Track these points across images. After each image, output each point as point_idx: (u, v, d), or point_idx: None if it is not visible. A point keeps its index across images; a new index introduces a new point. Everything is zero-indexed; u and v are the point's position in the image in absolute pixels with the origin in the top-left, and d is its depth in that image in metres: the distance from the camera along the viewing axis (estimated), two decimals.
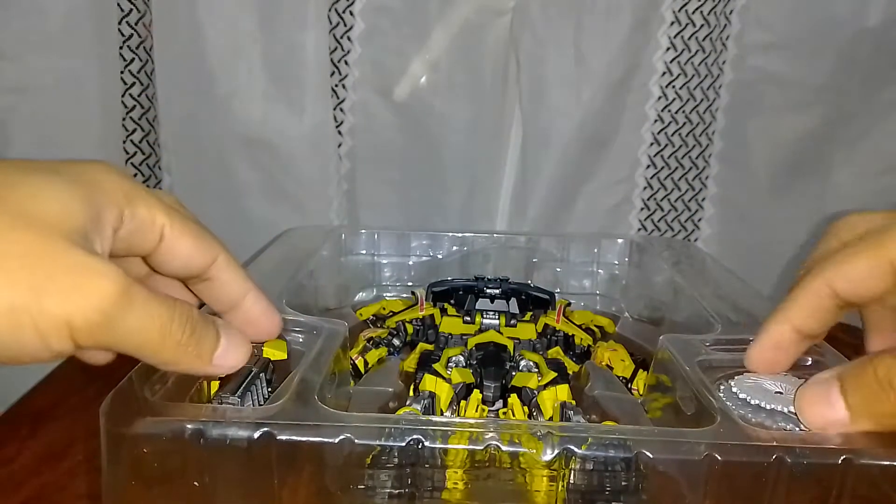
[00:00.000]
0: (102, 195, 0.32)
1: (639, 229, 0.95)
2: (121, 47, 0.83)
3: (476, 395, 0.51)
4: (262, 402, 0.40)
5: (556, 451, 0.35)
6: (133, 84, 0.84)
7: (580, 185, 0.92)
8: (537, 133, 0.89)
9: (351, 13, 0.84)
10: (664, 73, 0.88)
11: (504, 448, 0.35)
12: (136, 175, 0.88)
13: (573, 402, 0.49)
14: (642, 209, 0.94)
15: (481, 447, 0.36)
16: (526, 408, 0.50)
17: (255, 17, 0.82)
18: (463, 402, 0.51)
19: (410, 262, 0.83)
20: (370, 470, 0.36)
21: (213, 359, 0.35)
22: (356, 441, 0.35)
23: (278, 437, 0.34)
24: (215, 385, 0.41)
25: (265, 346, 0.44)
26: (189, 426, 0.34)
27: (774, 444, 0.34)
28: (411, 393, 0.52)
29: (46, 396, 0.70)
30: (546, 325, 0.66)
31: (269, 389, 0.42)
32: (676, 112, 0.89)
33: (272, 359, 0.43)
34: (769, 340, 0.40)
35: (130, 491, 0.35)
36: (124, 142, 0.86)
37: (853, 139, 0.92)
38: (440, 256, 0.82)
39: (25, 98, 0.79)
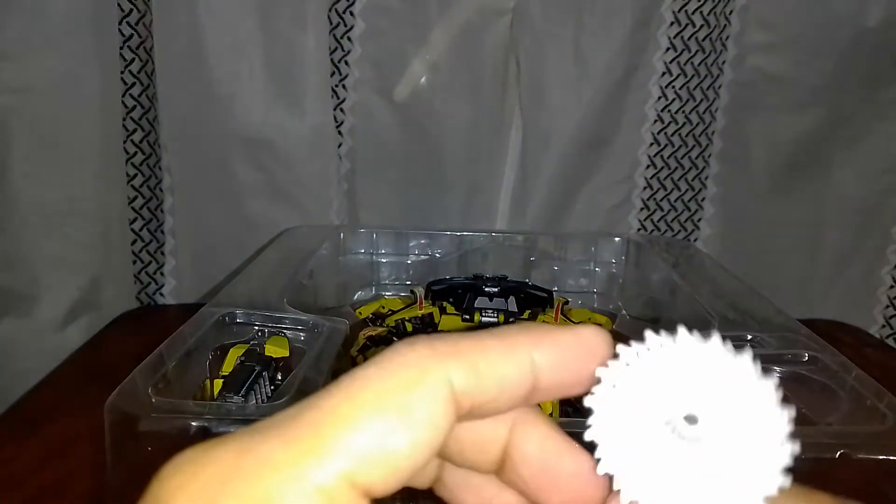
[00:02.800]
0: None
1: (639, 229, 0.95)
2: (121, 47, 0.83)
3: None
4: (265, 400, 0.41)
5: None
6: (133, 84, 0.84)
7: (580, 185, 0.92)
8: (537, 133, 0.89)
9: (351, 13, 0.84)
10: (664, 74, 0.88)
11: None
12: (136, 175, 0.88)
13: (572, 399, 0.49)
14: (642, 209, 0.94)
15: None
16: None
17: (255, 18, 0.82)
18: None
19: (409, 261, 0.83)
20: None
21: None
22: None
23: None
24: (219, 384, 0.41)
25: (268, 344, 0.44)
26: (194, 424, 0.34)
27: None
28: None
29: (47, 396, 0.70)
30: (544, 323, 0.67)
31: (272, 387, 0.42)
32: (676, 112, 0.90)
33: (274, 356, 0.44)
34: None
35: (135, 488, 0.35)
36: (124, 142, 0.86)
37: (853, 139, 0.92)
38: (438, 255, 0.82)
39: (25, 98, 0.79)
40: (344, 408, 0.17)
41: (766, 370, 0.18)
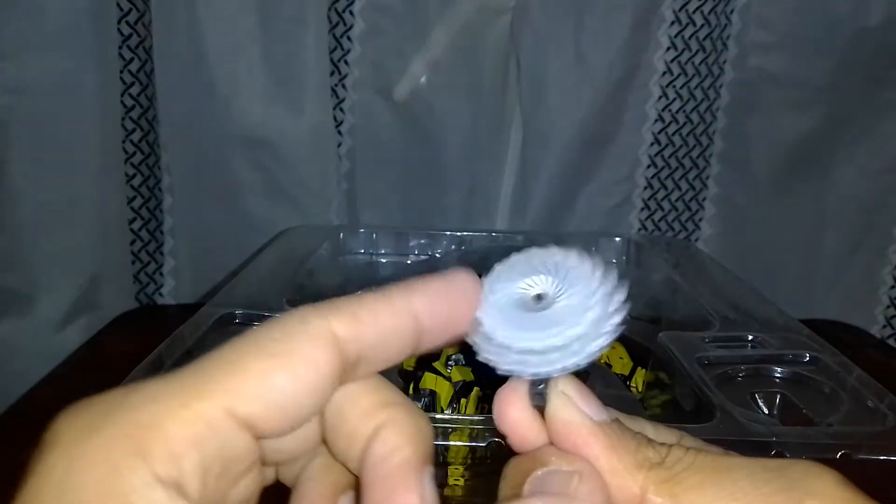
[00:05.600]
0: None
1: (639, 229, 0.95)
2: (120, 47, 0.83)
3: (476, 392, 0.51)
4: None
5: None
6: (132, 84, 0.84)
7: (580, 185, 0.92)
8: (537, 133, 0.89)
9: (351, 13, 0.84)
10: (664, 73, 0.88)
11: (505, 444, 0.36)
12: (135, 175, 0.88)
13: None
14: (643, 209, 0.94)
15: (482, 444, 0.36)
16: None
17: (255, 17, 0.82)
18: (463, 400, 0.51)
19: (409, 262, 0.83)
20: None
21: None
22: None
23: None
24: None
25: None
26: None
27: (773, 439, 0.34)
28: (411, 391, 0.52)
29: (46, 396, 0.70)
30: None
31: None
32: (677, 112, 0.89)
33: None
34: None
35: None
36: (123, 142, 0.86)
37: (853, 139, 0.92)
38: (438, 255, 0.82)
39: (25, 98, 0.79)
40: (228, 354, 0.19)
41: (606, 265, 0.24)
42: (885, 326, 0.99)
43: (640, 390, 0.54)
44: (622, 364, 0.58)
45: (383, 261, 0.83)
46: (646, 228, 0.95)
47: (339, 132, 0.89)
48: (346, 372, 0.21)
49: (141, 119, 0.86)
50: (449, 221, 0.92)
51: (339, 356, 0.20)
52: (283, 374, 0.19)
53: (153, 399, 0.18)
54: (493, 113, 0.90)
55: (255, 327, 0.20)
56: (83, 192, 0.84)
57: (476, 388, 0.51)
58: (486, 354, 0.23)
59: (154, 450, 0.17)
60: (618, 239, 0.84)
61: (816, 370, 0.45)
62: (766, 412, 0.41)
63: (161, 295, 0.93)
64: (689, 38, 0.86)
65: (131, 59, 0.83)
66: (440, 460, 0.36)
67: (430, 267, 0.81)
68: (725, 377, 0.43)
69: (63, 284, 0.85)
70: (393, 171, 0.91)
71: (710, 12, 0.85)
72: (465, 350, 0.59)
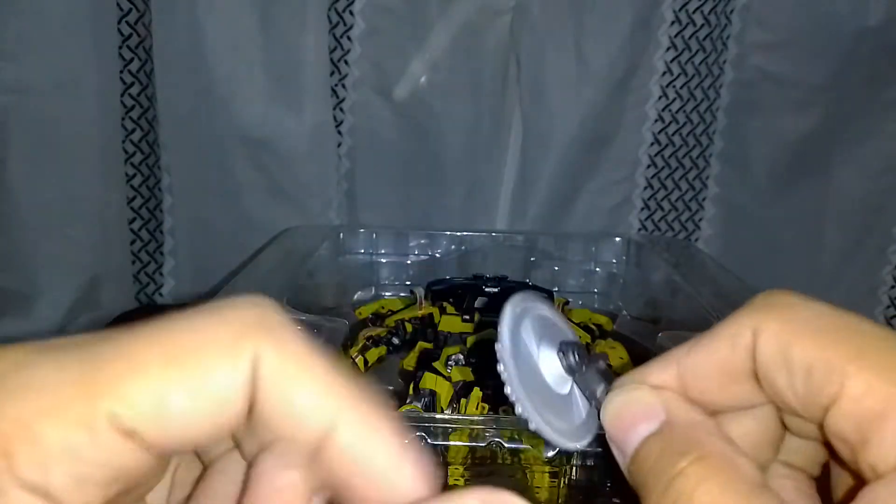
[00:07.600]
0: None
1: (639, 229, 0.94)
2: (120, 47, 0.83)
3: (476, 392, 0.51)
4: None
5: (558, 448, 0.35)
6: (132, 84, 0.84)
7: (580, 185, 0.92)
8: (537, 133, 0.89)
9: (351, 13, 0.84)
10: (664, 73, 0.88)
11: (505, 445, 0.36)
12: (135, 175, 0.88)
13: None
14: (643, 209, 0.94)
15: (482, 444, 0.36)
16: None
17: (255, 17, 0.82)
18: (463, 400, 0.51)
19: (409, 262, 0.83)
20: None
21: None
22: None
23: None
24: None
25: None
26: None
27: None
28: (411, 391, 0.52)
29: None
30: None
31: None
32: (677, 112, 0.89)
33: None
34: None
35: None
36: (123, 142, 0.86)
37: (853, 139, 0.92)
38: (438, 255, 0.82)
39: (25, 98, 0.79)
40: (137, 350, 0.17)
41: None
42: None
43: None
44: (622, 364, 0.58)
45: (383, 261, 0.83)
46: (646, 228, 0.95)
47: (339, 132, 0.89)
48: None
49: (141, 119, 0.86)
50: (449, 221, 0.92)
51: (253, 391, 0.17)
52: (181, 401, 0.16)
53: (40, 386, 0.16)
54: (493, 113, 0.90)
55: (189, 312, 0.17)
56: (83, 192, 0.84)
57: (476, 388, 0.51)
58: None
59: (19, 453, 0.15)
60: (618, 239, 0.84)
61: None
62: None
63: (161, 295, 0.93)
64: (689, 38, 0.86)
65: (131, 59, 0.83)
66: (440, 460, 0.36)
67: (430, 267, 0.81)
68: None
69: (63, 284, 0.85)
70: (393, 171, 0.91)
71: (710, 12, 0.85)
72: (464, 350, 0.59)
